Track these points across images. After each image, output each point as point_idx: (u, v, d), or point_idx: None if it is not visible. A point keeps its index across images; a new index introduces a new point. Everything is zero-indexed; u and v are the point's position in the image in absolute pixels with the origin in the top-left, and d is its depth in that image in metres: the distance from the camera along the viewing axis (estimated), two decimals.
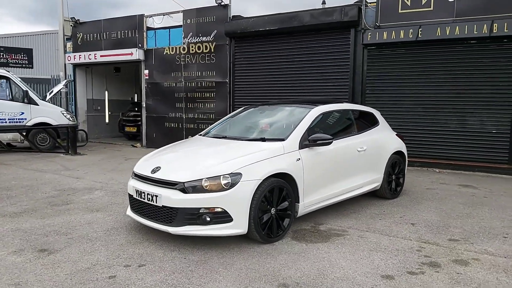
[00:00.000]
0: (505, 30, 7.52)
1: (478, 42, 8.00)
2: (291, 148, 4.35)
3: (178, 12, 11.39)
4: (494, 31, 7.61)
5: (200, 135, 5.42)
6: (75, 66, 13.65)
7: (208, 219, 3.76)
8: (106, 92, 15.20)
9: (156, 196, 3.90)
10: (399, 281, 3.27)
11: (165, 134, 11.65)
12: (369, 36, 8.75)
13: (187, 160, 4.29)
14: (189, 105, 11.33)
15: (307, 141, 4.50)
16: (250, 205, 3.82)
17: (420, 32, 8.23)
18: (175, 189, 3.84)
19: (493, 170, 8.04)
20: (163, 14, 11.67)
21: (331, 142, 4.52)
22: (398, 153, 6.03)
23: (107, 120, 15.39)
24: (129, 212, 4.40)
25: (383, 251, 3.92)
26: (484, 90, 8.04)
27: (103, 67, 14.06)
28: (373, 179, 5.56)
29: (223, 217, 3.76)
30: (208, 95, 11.01)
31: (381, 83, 9.00)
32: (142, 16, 12.05)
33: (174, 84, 11.51)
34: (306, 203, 4.47)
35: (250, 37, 10.25)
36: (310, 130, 4.62)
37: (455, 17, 8.02)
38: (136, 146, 12.55)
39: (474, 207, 5.59)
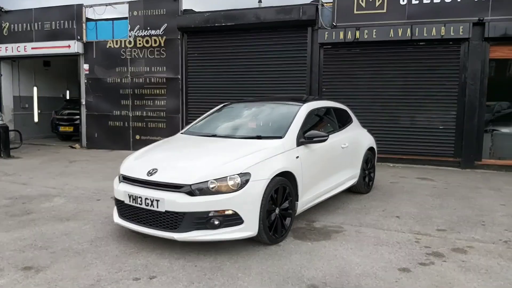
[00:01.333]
0: (451, 34, 8.16)
1: (427, 44, 8.58)
2: (289, 146, 4.27)
3: (123, 3, 10.69)
4: (442, 34, 8.21)
5: (182, 133, 5.11)
6: (0, 59, 12.18)
7: (218, 222, 3.53)
8: (35, 88, 13.80)
9: (158, 200, 3.58)
10: (417, 273, 3.35)
11: (109, 134, 10.88)
12: (325, 36, 8.96)
13: (186, 160, 4.00)
14: (137, 102, 10.71)
15: (303, 139, 4.45)
16: (260, 206, 3.67)
17: (374, 33, 8.61)
18: (181, 192, 3.55)
19: (441, 163, 8.69)
20: (106, 5, 10.88)
21: (327, 139, 4.51)
22: (370, 149, 6.24)
23: (36, 119, 13.99)
24: (117, 219, 3.99)
25: (386, 245, 4.01)
26: (432, 89, 8.65)
27: (31, 61, 12.74)
28: (352, 174, 5.68)
29: (233, 219, 3.57)
30: (158, 91, 10.49)
31: (337, 82, 9.27)
32: (80, 6, 11.12)
33: (119, 80, 10.79)
34: (304, 201, 4.42)
35: (204, 32, 9.95)
36: (302, 128, 4.57)
37: (407, 19, 8.52)
38: (75, 147, 11.57)
39: (442, 198, 5.97)
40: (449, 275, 3.32)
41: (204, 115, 5.43)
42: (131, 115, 10.75)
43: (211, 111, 5.49)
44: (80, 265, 3.43)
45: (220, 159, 3.88)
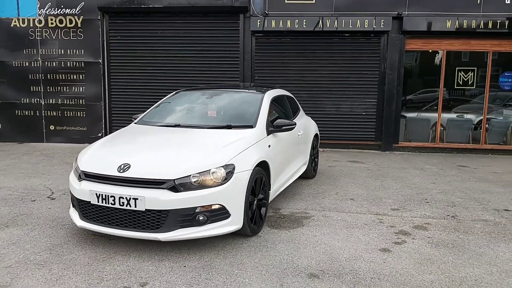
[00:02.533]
0: (374, 26, 8.75)
1: (351, 35, 9.08)
2: (261, 135, 4.20)
3: None
4: (365, 26, 8.76)
5: (136, 123, 4.69)
6: None
7: (204, 218, 3.34)
8: None
9: (136, 199, 3.25)
10: (397, 252, 3.58)
11: (16, 125, 9.55)
12: (257, 24, 8.94)
13: (160, 153, 3.67)
14: (50, 88, 9.54)
15: (272, 127, 4.42)
16: (245, 198, 3.56)
17: (304, 23, 8.85)
18: (163, 188, 3.27)
19: (363, 147, 9.37)
20: None
21: (295, 127, 4.53)
22: (315, 136, 6.45)
23: None
24: (81, 222, 3.53)
25: (356, 227, 4.20)
26: (355, 78, 9.22)
27: None
28: (304, 161, 5.83)
29: (220, 214, 3.41)
30: (75, 77, 9.47)
31: (268, 70, 9.36)
32: None
33: (27, 64, 9.48)
34: (274, 189, 4.41)
35: (129, 13, 9.20)
36: (268, 116, 4.53)
37: (334, 11, 8.90)
38: None
39: (380, 179, 6.45)
40: (425, 251, 3.60)
41: (157, 104, 5.05)
42: (43, 103, 9.56)
43: (164, 99, 5.13)
44: (49, 279, 2.97)
45: (198, 151, 3.66)
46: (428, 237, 3.95)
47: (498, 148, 9.31)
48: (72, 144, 9.33)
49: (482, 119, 9.33)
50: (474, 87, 9.31)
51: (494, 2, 8.64)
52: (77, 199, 3.54)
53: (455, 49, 9.16)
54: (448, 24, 8.70)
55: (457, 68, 9.25)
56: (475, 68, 9.20)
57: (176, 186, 3.27)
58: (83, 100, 9.51)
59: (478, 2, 8.67)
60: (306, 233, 4.00)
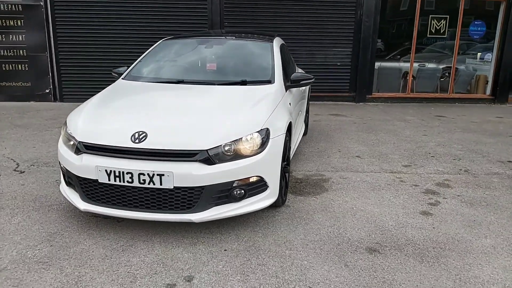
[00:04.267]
0: None
1: None
2: (282, 92, 3.67)
3: None
4: None
5: (124, 79, 3.92)
6: None
7: (242, 192, 2.84)
8: None
9: (161, 175, 2.64)
10: (439, 215, 3.37)
11: None
12: None
13: (178, 117, 3.01)
14: None
15: (290, 82, 3.89)
16: (281, 166, 3.10)
17: None
18: (194, 161, 2.69)
19: (337, 98, 9.12)
20: None
21: (313, 80, 4.03)
22: (308, 90, 6.01)
23: None
24: (86, 205, 2.86)
25: (382, 189, 3.94)
26: (330, 26, 8.73)
27: None
28: (304, 118, 5.42)
29: (259, 186, 2.93)
30: (12, 23, 7.98)
31: (239, 16, 8.54)
32: None
33: None
34: (291, 152, 3.97)
35: None
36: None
37: None
38: None
39: (373, 133, 6.24)
40: (465, 212, 3.43)
41: (144, 55, 4.25)
42: None
43: (151, 49, 4.32)
44: (65, 282, 2.36)
45: (226, 114, 3.07)
46: (458, 196, 3.80)
47: (464, 97, 9.53)
48: (15, 103, 8.05)
49: (451, 69, 9.41)
50: (446, 36, 9.27)
51: None
52: (78, 177, 2.84)
53: None
54: None
55: (430, 16, 9.09)
56: (447, 16, 9.11)
57: (210, 157, 2.70)
58: (24, 50, 8.12)
59: None
60: (335, 199, 3.66)
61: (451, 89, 9.50)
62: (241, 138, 2.82)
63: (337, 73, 9.05)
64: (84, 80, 8.39)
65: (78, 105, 3.44)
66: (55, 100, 8.39)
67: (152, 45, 7.49)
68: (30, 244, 2.76)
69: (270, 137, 2.97)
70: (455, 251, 2.79)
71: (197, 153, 2.69)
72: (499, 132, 6.48)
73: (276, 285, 2.35)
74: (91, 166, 2.75)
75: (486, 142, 5.83)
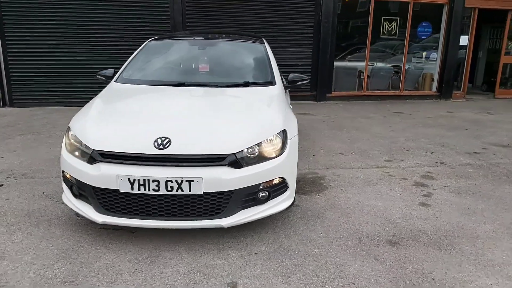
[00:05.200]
0: None
1: None
2: (283, 93, 3.72)
3: None
4: None
5: (117, 81, 3.73)
6: None
7: (265, 195, 2.85)
8: None
9: (190, 181, 2.57)
10: (437, 205, 3.61)
11: None
12: None
13: (196, 121, 2.91)
14: None
15: (287, 83, 3.95)
16: (296, 166, 3.14)
17: None
18: (223, 165, 2.64)
19: (299, 97, 9.30)
20: None
21: (308, 81, 4.11)
22: None
23: None
24: (104, 218, 2.69)
25: (375, 183, 4.13)
26: (291, 27, 8.90)
27: None
28: None
29: (280, 188, 2.94)
30: None
31: (201, 15, 8.44)
32: None
33: None
34: None
35: None
36: None
37: None
38: None
39: (345, 131, 6.49)
40: (458, 202, 3.71)
41: (133, 57, 4.06)
42: None
43: (139, 50, 4.14)
44: None
45: (244, 117, 3.05)
46: (445, 186, 4.09)
47: (414, 94, 10.20)
48: None
49: (401, 67, 10.02)
50: (397, 37, 9.85)
51: None
52: (94, 188, 2.67)
53: None
54: None
55: (383, 17, 9.61)
56: (398, 18, 9.69)
57: (238, 160, 2.67)
58: None
59: None
60: (337, 195, 3.78)
61: (402, 87, 10.12)
62: (264, 140, 2.82)
63: (299, 72, 9.22)
64: (37, 83, 7.80)
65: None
66: (4, 105, 7.70)
67: (113, 45, 7.24)
68: (46, 264, 2.55)
69: (288, 138, 3.00)
70: (464, 237, 3.02)
71: (225, 157, 2.65)
72: (455, 126, 7.03)
73: (320, 284, 2.40)
74: (111, 176, 2.59)
75: (447, 135, 6.31)
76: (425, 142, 5.83)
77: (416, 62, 10.31)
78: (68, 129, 2.98)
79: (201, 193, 2.60)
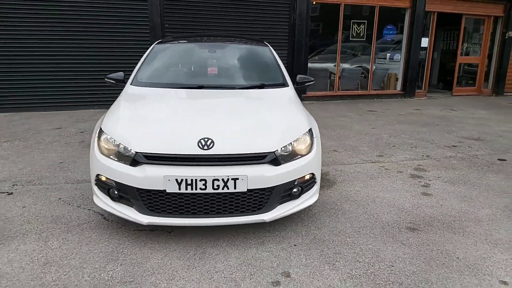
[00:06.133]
0: None
1: None
2: (296, 94, 3.91)
3: None
4: None
5: (133, 85, 3.74)
6: None
7: (298, 190, 3.03)
8: None
9: (236, 179, 2.70)
10: (437, 194, 3.96)
11: None
12: None
13: (232, 122, 3.02)
14: None
15: (296, 84, 4.15)
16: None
17: None
18: (264, 163, 2.80)
19: None
20: None
21: (314, 82, 4.34)
22: None
23: None
24: (150, 218, 2.74)
25: (377, 177, 4.43)
26: (268, 29, 9.14)
27: None
28: None
29: (310, 183, 3.13)
30: None
31: (179, 16, 8.45)
32: None
33: None
34: None
35: None
36: None
37: None
38: None
39: (330, 129, 6.80)
40: (453, 190, 4.08)
41: (143, 60, 4.07)
42: None
43: (149, 53, 4.16)
44: None
45: (272, 116, 3.21)
46: (438, 177, 4.47)
47: (381, 93, 10.79)
48: None
49: (369, 68, 10.57)
50: (365, 39, 10.38)
51: None
52: (139, 189, 2.72)
53: (351, 2, 9.91)
54: None
55: (352, 21, 10.09)
56: (366, 21, 10.21)
57: (277, 158, 2.83)
58: None
59: None
60: (348, 189, 4.03)
61: (370, 86, 10.67)
62: (298, 138, 3.00)
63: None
64: (11, 87, 7.47)
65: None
66: None
67: (92, 47, 7.17)
68: (96, 267, 2.57)
69: (314, 136, 3.20)
70: (471, 221, 3.37)
71: (266, 155, 2.80)
72: (426, 122, 7.58)
73: (364, 268, 2.61)
74: (157, 177, 2.66)
75: (423, 131, 6.80)
76: (406, 138, 6.27)
77: (381, 63, 10.90)
78: (101, 132, 2.99)
79: (245, 190, 2.73)
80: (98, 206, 3.05)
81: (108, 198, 2.92)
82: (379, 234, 3.09)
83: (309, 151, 3.06)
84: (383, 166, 4.81)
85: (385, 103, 9.89)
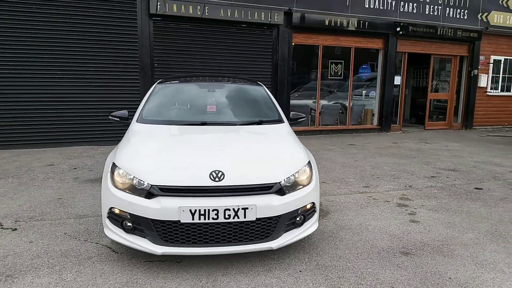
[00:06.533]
0: (269, 19, 9.28)
1: (247, 26, 9.38)
2: (291, 129, 4.20)
3: None
4: (262, 19, 9.20)
5: (139, 122, 3.94)
6: None
7: (301, 218, 3.25)
8: None
9: (246, 208, 2.90)
10: (424, 221, 4.24)
11: None
12: (158, 6, 8.26)
13: (238, 155, 3.24)
14: None
15: (290, 120, 4.45)
16: None
17: (206, 11, 8.66)
18: (271, 193, 3.02)
19: None
20: None
21: (305, 118, 4.65)
22: None
23: None
24: (164, 249, 2.88)
25: (366, 207, 4.70)
26: (252, 68, 9.59)
27: None
28: None
29: (311, 212, 3.36)
30: None
31: (168, 57, 8.79)
32: None
33: None
34: None
35: None
36: None
37: (233, 1, 9.00)
38: None
39: (316, 162, 7.09)
40: (438, 217, 4.39)
41: (146, 99, 4.30)
42: None
43: (151, 93, 4.39)
44: None
45: (273, 149, 3.47)
46: (422, 206, 4.78)
47: (359, 128, 11.30)
48: None
49: (347, 104, 11.11)
50: (342, 77, 10.97)
51: (358, 4, 10.33)
52: (154, 220, 2.87)
53: (328, 44, 10.55)
54: (327, 21, 9.96)
55: (330, 61, 10.69)
56: (343, 61, 10.84)
57: (282, 188, 3.06)
58: None
59: (347, 3, 10.20)
60: (341, 218, 4.27)
61: (349, 121, 11.17)
62: (299, 170, 3.25)
63: None
64: (5, 124, 7.50)
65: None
66: None
67: (86, 85, 7.38)
68: None
69: (312, 167, 3.46)
70: (457, 244, 3.64)
71: (272, 186, 3.03)
72: (405, 155, 8.01)
73: None
74: (172, 208, 2.83)
75: (403, 163, 7.20)
76: (388, 169, 6.63)
77: (358, 100, 11.48)
78: (114, 166, 3.15)
79: (254, 219, 2.93)
80: (106, 240, 3.17)
81: (121, 230, 3.04)
82: (376, 259, 3.31)
83: (309, 182, 3.31)
84: (371, 196, 5.09)
85: (364, 137, 10.36)
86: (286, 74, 9.93)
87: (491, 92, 12.85)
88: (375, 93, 11.41)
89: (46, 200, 4.64)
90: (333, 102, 11.14)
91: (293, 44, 10.01)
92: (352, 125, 11.29)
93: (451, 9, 11.49)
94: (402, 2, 10.86)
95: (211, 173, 2.96)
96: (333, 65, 10.75)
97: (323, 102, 10.94)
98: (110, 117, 4.21)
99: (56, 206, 4.46)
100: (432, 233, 3.92)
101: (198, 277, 2.94)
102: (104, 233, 3.18)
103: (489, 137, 11.05)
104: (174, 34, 8.76)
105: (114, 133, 8.19)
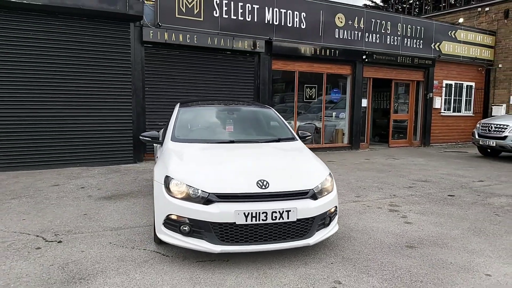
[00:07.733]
0: (252, 47, 10.01)
1: (232, 53, 10.04)
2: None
3: None
4: (245, 47, 9.92)
5: (175, 141, 4.41)
6: None
7: (328, 219, 3.86)
8: None
9: (289, 211, 3.47)
10: (417, 223, 4.99)
11: None
12: (150, 34, 8.75)
13: (274, 167, 3.82)
14: None
15: (299, 137, 5.09)
16: None
17: (195, 39, 9.25)
18: (307, 198, 3.61)
19: None
20: None
21: (311, 136, 5.31)
22: None
23: None
24: (222, 247, 3.36)
25: (363, 213, 5.39)
26: (236, 92, 10.22)
27: None
28: None
29: (334, 214, 3.97)
30: None
31: (158, 81, 9.23)
32: None
33: None
34: None
35: None
36: None
37: (219, 30, 9.66)
38: None
39: None
40: (426, 219, 5.14)
41: (174, 121, 4.77)
42: None
43: (177, 115, 4.86)
44: None
45: (300, 162, 4.07)
46: (410, 210, 5.54)
47: (332, 146, 12.17)
48: None
49: (321, 125, 11.98)
50: (316, 100, 11.87)
51: (329, 35, 11.35)
52: (213, 223, 3.36)
53: (304, 70, 11.44)
54: (302, 50, 10.87)
55: (305, 85, 11.57)
56: (316, 86, 11.76)
57: (315, 194, 3.66)
58: None
59: (320, 34, 11.19)
60: (348, 222, 4.91)
61: (323, 140, 12.03)
62: (325, 179, 3.87)
63: None
64: (0, 146, 7.54)
65: None
66: None
67: (75, 106, 7.70)
68: None
69: (332, 177, 4.10)
70: (448, 239, 4.39)
71: (308, 191, 3.62)
72: (380, 169, 8.88)
73: (391, 273, 3.44)
74: (229, 212, 3.34)
75: (381, 176, 8.04)
76: (371, 182, 7.41)
77: (330, 120, 12.41)
78: (169, 178, 3.59)
79: (295, 220, 3.49)
80: (152, 246, 3.61)
81: (178, 234, 3.49)
82: (388, 251, 3.96)
83: (332, 189, 3.93)
84: (365, 204, 5.79)
85: (338, 154, 11.21)
86: (266, 96, 10.65)
87: (444, 112, 14.31)
88: (345, 114, 12.39)
89: (73, 216, 4.91)
90: (307, 122, 11.97)
91: (272, 69, 10.78)
92: (326, 143, 12.14)
93: (409, 39, 12.86)
94: (367, 33, 12.04)
95: (257, 182, 3.50)
96: (308, 89, 11.63)
97: (299, 123, 11.74)
98: (140, 138, 4.64)
99: (85, 221, 4.75)
100: (425, 231, 4.64)
101: (250, 271, 3.43)
102: (150, 241, 3.61)
103: (446, 153, 12.30)
104: (164, 60, 9.24)
105: (107, 155, 8.44)
